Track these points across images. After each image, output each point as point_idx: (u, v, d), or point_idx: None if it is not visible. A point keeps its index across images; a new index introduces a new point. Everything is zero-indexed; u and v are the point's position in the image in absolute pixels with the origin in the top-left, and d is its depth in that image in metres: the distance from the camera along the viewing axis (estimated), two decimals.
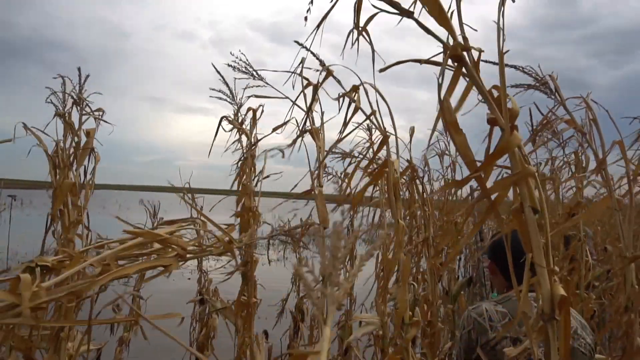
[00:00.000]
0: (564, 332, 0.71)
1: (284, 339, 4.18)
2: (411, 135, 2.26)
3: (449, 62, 0.76)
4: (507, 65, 0.79)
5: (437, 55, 0.80)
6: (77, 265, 1.10)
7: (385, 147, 1.36)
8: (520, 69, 1.64)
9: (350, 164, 2.64)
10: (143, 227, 1.36)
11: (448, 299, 3.92)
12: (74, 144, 2.32)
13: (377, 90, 1.31)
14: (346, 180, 2.69)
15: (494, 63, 0.79)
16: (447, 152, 4.29)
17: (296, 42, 1.45)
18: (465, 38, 0.76)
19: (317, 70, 1.51)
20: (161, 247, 1.28)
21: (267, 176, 2.34)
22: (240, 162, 2.32)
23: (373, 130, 2.36)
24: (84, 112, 2.39)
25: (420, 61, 0.80)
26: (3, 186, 4.13)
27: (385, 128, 1.35)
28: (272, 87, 1.90)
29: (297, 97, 1.74)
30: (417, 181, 2.54)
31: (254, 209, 2.24)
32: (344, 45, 1.11)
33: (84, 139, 2.35)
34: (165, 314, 1.28)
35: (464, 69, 0.75)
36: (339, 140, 1.50)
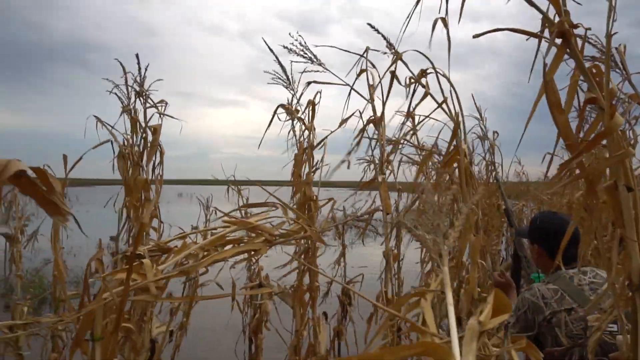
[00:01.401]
0: None
1: (332, 321, 4.31)
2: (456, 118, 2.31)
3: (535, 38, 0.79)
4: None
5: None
6: (184, 252, 1.23)
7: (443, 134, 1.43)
8: (587, 39, 1.65)
9: (392, 151, 2.69)
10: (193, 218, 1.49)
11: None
12: (141, 140, 2.43)
13: (446, 77, 1.36)
14: (388, 167, 2.77)
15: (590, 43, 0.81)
16: (486, 135, 4.30)
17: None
18: (567, 13, 0.77)
19: (385, 53, 1.54)
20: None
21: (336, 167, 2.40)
22: (300, 152, 2.40)
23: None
24: (147, 104, 2.43)
25: (517, 31, 0.83)
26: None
27: (457, 114, 1.41)
28: (331, 72, 1.89)
29: (354, 81, 1.77)
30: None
31: (314, 197, 2.34)
32: (400, 34, 1.17)
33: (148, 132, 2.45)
34: (218, 294, 1.41)
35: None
36: (407, 129, 1.55)
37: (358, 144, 1.72)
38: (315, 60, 1.89)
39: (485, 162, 4.46)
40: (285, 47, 1.94)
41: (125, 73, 2.43)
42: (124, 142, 2.38)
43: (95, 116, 2.32)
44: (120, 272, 1.03)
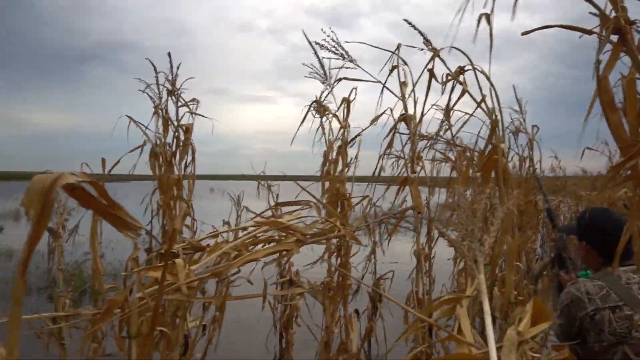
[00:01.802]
0: None
1: (363, 317, 4.30)
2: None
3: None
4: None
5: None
6: (216, 252, 1.25)
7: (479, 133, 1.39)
8: None
9: (425, 146, 2.64)
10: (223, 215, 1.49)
11: (530, 279, 3.86)
12: (174, 139, 2.47)
13: (485, 75, 1.32)
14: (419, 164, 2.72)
15: None
16: (522, 129, 4.17)
17: None
18: (624, 9, 0.73)
19: (422, 50, 1.50)
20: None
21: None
22: (329, 149, 2.38)
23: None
24: (179, 103, 2.47)
25: (571, 27, 0.79)
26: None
27: (494, 112, 1.37)
28: (363, 69, 1.86)
29: (387, 79, 1.74)
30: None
31: (347, 195, 2.33)
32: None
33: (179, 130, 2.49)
34: (250, 294, 1.41)
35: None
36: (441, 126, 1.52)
37: (391, 143, 1.69)
38: (347, 56, 1.85)
39: (519, 157, 4.33)
40: (317, 44, 1.92)
41: (156, 73, 2.46)
42: (156, 142, 2.42)
43: (127, 116, 2.37)
44: (154, 271, 1.05)
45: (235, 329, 4.76)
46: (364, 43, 1.74)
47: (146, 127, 2.41)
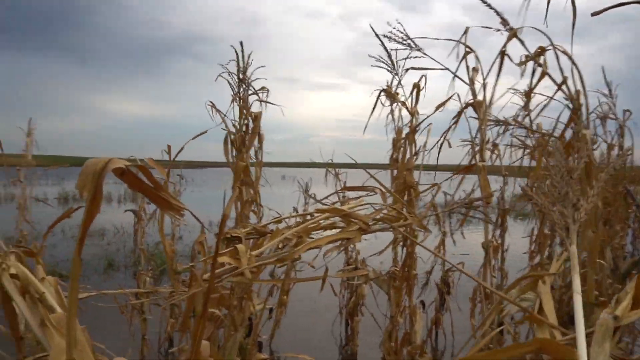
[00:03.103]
0: None
1: (430, 310, 4.22)
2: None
3: None
4: None
5: None
6: (277, 238, 1.27)
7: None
8: None
9: (499, 133, 2.50)
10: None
11: (616, 278, 3.56)
12: (243, 127, 2.53)
13: (567, 55, 1.21)
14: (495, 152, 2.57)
15: None
16: (612, 114, 3.81)
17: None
18: None
19: (498, 30, 1.42)
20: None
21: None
22: (398, 136, 2.33)
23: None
24: (249, 91, 2.52)
25: None
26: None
27: (578, 94, 1.25)
28: (430, 57, 1.84)
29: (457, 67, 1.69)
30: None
31: (414, 183, 2.27)
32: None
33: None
34: (310, 277, 1.42)
35: None
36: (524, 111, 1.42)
37: (455, 124, 1.62)
38: (414, 46, 1.83)
39: (607, 145, 3.96)
40: (385, 36, 1.92)
41: (237, 62, 2.50)
42: (230, 129, 2.49)
43: (210, 102, 2.45)
44: (218, 256, 1.08)
45: (302, 315, 4.86)
46: (425, 37, 1.70)
47: (225, 115, 2.49)
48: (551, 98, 1.39)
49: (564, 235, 0.50)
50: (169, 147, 2.13)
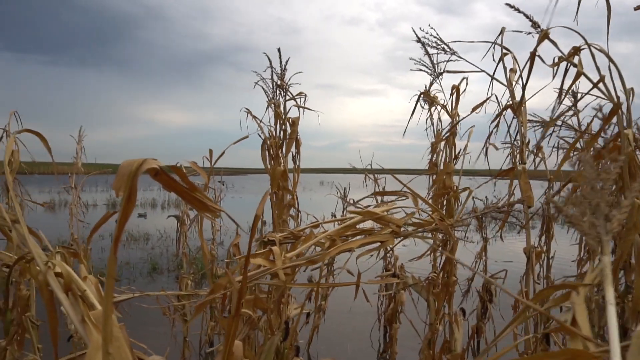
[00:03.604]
0: None
1: (471, 318, 4.11)
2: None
3: None
4: None
5: None
6: (311, 241, 1.28)
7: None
8: None
9: (543, 135, 2.41)
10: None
11: None
12: (281, 132, 2.56)
13: (604, 52, 1.16)
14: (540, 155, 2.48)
15: None
16: None
17: None
18: None
19: (529, 33, 1.39)
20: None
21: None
22: (437, 140, 2.30)
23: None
24: (287, 96, 2.56)
25: None
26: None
27: (616, 94, 1.20)
28: (467, 61, 1.82)
29: (495, 69, 1.66)
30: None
31: (454, 188, 2.22)
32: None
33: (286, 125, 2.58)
34: (343, 282, 1.42)
35: None
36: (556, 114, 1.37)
37: (497, 126, 1.58)
38: (449, 50, 1.82)
39: None
40: (419, 41, 1.92)
41: (271, 67, 2.55)
42: (268, 134, 2.52)
43: (246, 109, 2.50)
44: (251, 257, 1.10)
45: (341, 320, 4.85)
46: (466, 41, 1.67)
47: (260, 121, 2.53)
48: (586, 94, 1.33)
49: (595, 247, 0.48)
50: (210, 151, 2.18)
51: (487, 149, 1.81)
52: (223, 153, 1.42)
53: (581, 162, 0.57)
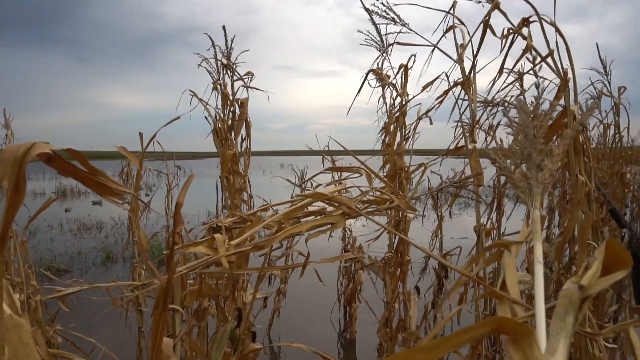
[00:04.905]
0: None
1: (428, 295, 4.20)
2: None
3: None
4: None
5: None
6: (257, 225, 1.22)
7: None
8: None
9: (491, 113, 2.44)
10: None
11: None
12: (229, 113, 2.47)
13: (553, 25, 1.15)
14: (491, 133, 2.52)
15: None
16: (607, 93, 3.73)
17: None
18: None
19: (479, 2, 1.36)
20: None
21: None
22: (390, 120, 2.28)
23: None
24: (234, 77, 2.45)
25: None
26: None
27: (563, 70, 1.20)
28: (417, 33, 1.77)
29: (440, 39, 1.62)
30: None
31: (405, 168, 2.22)
32: None
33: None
34: (293, 264, 1.40)
35: None
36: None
37: (440, 103, 1.56)
38: (398, 20, 1.76)
39: (602, 124, 3.90)
40: (366, 9, 1.84)
41: (214, 47, 2.44)
42: (215, 117, 2.43)
43: (190, 91, 2.39)
44: (192, 246, 1.05)
45: (300, 303, 4.85)
46: (415, 4, 1.61)
47: (207, 103, 2.42)
48: (535, 65, 1.33)
49: (526, 200, 0.45)
50: (140, 135, 2.07)
51: (419, 125, 1.79)
52: (154, 136, 1.33)
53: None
